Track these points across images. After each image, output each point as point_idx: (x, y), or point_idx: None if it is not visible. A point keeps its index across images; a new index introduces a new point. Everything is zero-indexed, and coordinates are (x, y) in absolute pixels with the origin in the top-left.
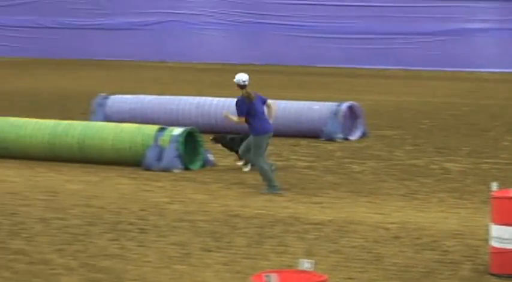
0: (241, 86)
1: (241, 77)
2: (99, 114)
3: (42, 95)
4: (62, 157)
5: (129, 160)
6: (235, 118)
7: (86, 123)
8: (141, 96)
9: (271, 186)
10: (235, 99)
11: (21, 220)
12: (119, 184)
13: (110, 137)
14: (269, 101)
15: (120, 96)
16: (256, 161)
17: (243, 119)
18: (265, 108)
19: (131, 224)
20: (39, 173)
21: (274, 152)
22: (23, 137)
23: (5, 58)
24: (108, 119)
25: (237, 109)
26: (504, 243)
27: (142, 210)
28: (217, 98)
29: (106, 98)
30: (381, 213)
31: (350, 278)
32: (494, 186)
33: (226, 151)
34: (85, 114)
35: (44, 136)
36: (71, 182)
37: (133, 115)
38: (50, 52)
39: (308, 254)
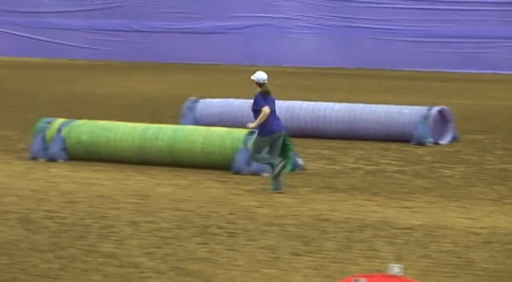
0: (260, 84)
1: (261, 76)
2: (189, 117)
3: (133, 98)
4: (151, 160)
5: (218, 164)
6: (257, 120)
7: (176, 126)
8: (231, 100)
9: (275, 184)
10: (255, 98)
11: (111, 223)
12: (208, 188)
13: (200, 140)
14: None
15: (210, 99)
16: (251, 157)
17: (268, 110)
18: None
19: (220, 227)
20: (129, 177)
21: (364, 156)
22: (114, 140)
23: (96, 61)
24: (198, 122)
25: (257, 103)
26: None
27: (231, 214)
28: (307, 102)
29: (196, 101)
30: (471, 218)
31: None
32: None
33: (315, 155)
34: (175, 118)
35: (134, 139)
36: (161, 185)
37: (223, 119)
38: (140, 56)
39: (397, 259)
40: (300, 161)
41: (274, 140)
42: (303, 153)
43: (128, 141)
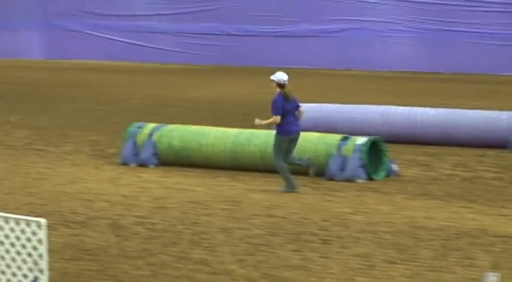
0: (281, 85)
1: (282, 76)
2: None
3: (225, 103)
4: (244, 166)
5: None
6: (266, 121)
7: (269, 132)
8: (325, 105)
9: (288, 184)
10: (273, 99)
11: (203, 230)
12: (301, 194)
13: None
14: (301, 108)
15: (303, 104)
16: (274, 159)
17: (279, 118)
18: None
19: (314, 234)
20: (221, 182)
21: (461, 162)
22: (205, 145)
23: (187, 65)
24: None
25: (273, 107)
26: None
27: (324, 220)
28: (402, 107)
29: None
30: None
31: None
32: None
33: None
34: None
35: (226, 145)
36: (253, 191)
37: (316, 124)
38: (232, 60)
39: (494, 268)
40: (395, 167)
41: (291, 140)
42: (398, 159)
43: (220, 146)
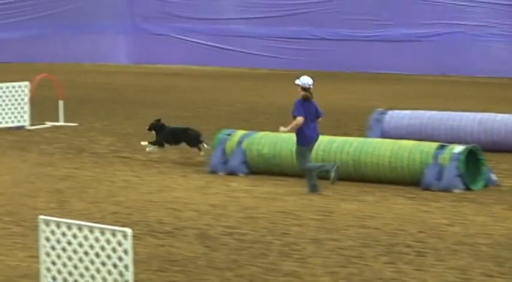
0: (305, 89)
1: (307, 80)
2: (376, 130)
3: None
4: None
5: (406, 179)
6: (290, 125)
7: (362, 139)
8: (421, 112)
9: (312, 186)
10: (294, 103)
11: (293, 240)
12: (395, 204)
13: (387, 154)
14: (322, 115)
15: (398, 111)
16: (302, 166)
17: (301, 119)
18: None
19: (408, 246)
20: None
21: None
22: None
23: (276, 70)
24: (385, 135)
25: (295, 110)
26: None
27: (420, 232)
28: (501, 114)
29: (383, 113)
30: None
31: None
32: None
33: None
34: (361, 130)
35: (317, 153)
36: (346, 201)
37: (412, 131)
38: (323, 65)
39: None
40: (494, 177)
41: (312, 146)
42: (496, 169)
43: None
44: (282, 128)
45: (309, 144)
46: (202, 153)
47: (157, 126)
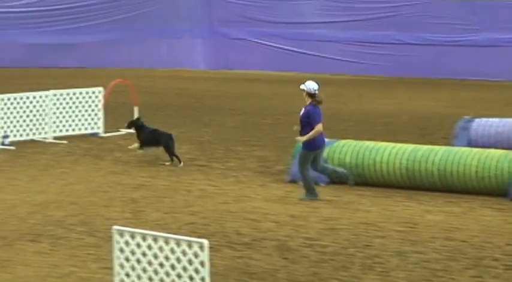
0: (311, 95)
1: (313, 86)
2: (463, 138)
3: (401, 117)
4: (421, 185)
5: (494, 189)
6: (309, 134)
7: (448, 148)
8: (509, 120)
9: (310, 193)
10: (308, 110)
11: (376, 253)
12: (482, 215)
13: (474, 163)
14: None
15: (486, 119)
16: (300, 169)
17: (321, 128)
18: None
19: (496, 260)
20: (396, 202)
21: None
22: (379, 162)
23: (358, 76)
24: (472, 143)
25: (312, 117)
26: None
27: (508, 244)
28: None
29: (470, 121)
30: None
31: None
32: None
33: None
34: (447, 139)
35: (401, 162)
36: (431, 212)
37: (500, 140)
38: (407, 70)
39: None
40: None
41: (318, 153)
42: None
43: (395, 164)
44: (299, 138)
45: (315, 150)
46: (172, 164)
47: (137, 125)
